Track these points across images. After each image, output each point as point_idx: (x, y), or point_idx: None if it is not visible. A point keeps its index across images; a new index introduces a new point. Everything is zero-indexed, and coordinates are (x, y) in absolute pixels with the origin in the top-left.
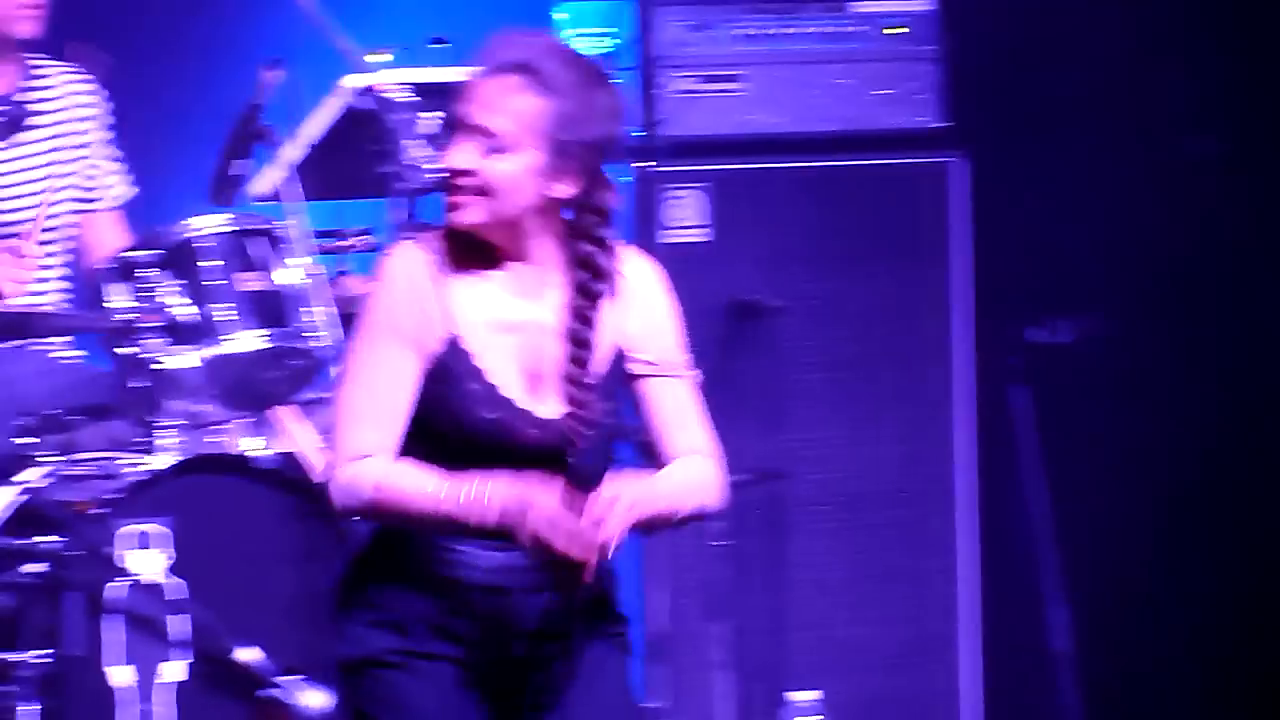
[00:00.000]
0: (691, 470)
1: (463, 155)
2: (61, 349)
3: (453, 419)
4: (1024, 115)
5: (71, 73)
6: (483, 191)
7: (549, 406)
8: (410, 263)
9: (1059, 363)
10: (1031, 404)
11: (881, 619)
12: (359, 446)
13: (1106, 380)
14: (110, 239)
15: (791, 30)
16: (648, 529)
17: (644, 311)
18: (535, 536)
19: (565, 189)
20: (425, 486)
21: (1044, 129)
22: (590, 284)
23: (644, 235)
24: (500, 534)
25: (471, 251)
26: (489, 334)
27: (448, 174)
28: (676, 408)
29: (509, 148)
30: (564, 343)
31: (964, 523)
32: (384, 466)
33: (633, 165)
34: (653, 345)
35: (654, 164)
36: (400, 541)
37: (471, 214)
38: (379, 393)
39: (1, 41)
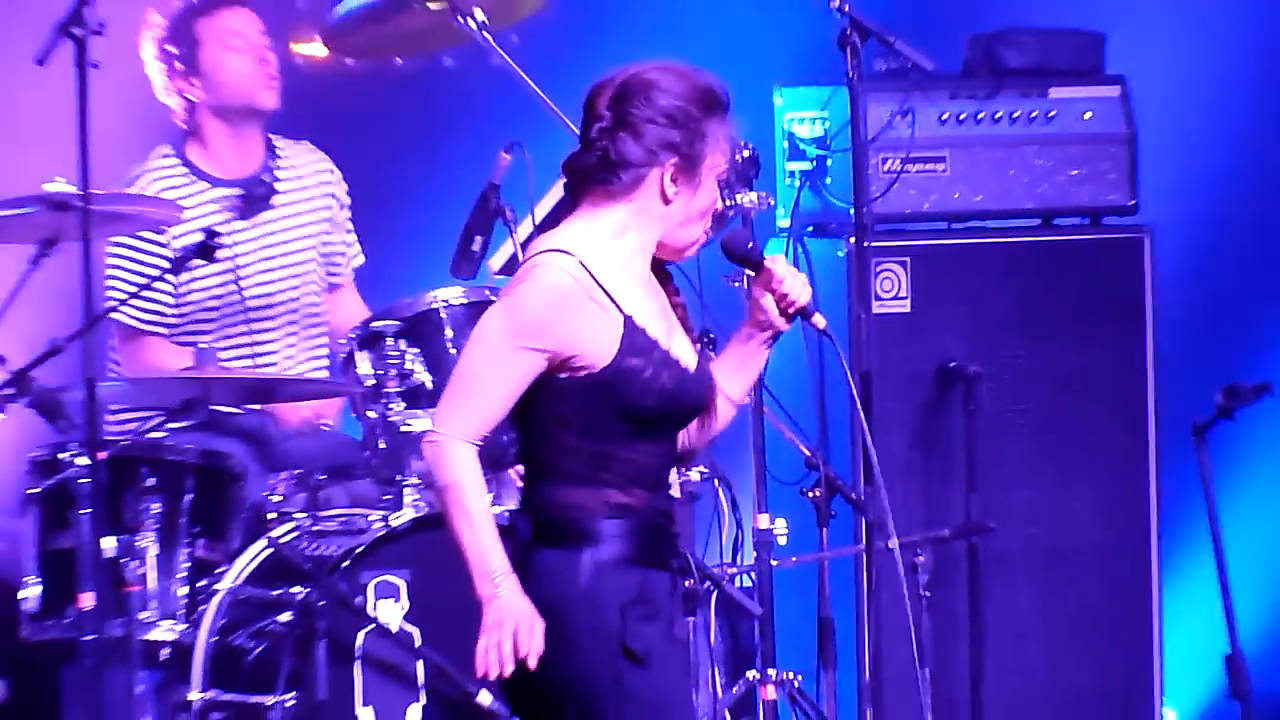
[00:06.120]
0: None
1: None
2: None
3: (650, 383)
4: (1203, 191)
5: (311, 152)
6: None
7: (690, 364)
8: (568, 272)
9: (1239, 421)
10: (1214, 460)
11: (1077, 667)
12: (460, 426)
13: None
14: (352, 309)
15: (991, 114)
16: None
17: None
18: (488, 637)
19: None
20: (480, 527)
21: (1221, 203)
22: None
23: (858, 306)
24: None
25: (607, 259)
26: (646, 316)
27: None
28: None
29: None
30: (682, 313)
31: (1156, 573)
32: (469, 474)
33: (846, 240)
34: None
35: (865, 239)
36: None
37: None
38: (496, 386)
39: (245, 116)
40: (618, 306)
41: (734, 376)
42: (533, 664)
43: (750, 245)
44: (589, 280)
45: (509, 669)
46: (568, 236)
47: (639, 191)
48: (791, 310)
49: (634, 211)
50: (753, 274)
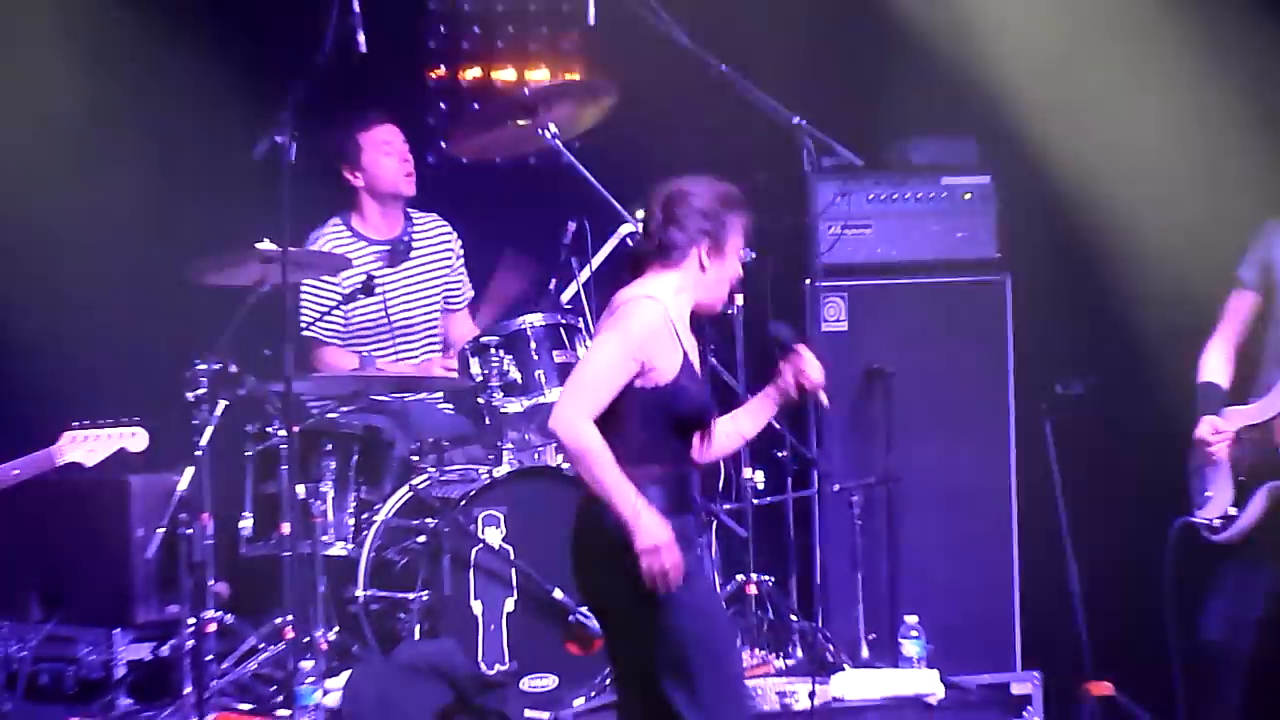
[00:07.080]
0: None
1: None
2: (440, 400)
3: (693, 400)
4: (1047, 247)
5: (436, 220)
6: None
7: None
8: (661, 311)
9: (1073, 406)
10: (1054, 431)
11: (961, 571)
12: (585, 409)
13: (1101, 417)
14: (464, 328)
15: (902, 195)
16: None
17: None
18: (649, 562)
19: None
20: (619, 479)
21: (1067, 254)
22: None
23: (810, 327)
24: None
25: (673, 307)
26: (693, 354)
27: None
28: None
29: None
30: (704, 350)
31: (1015, 509)
32: (600, 442)
33: (804, 281)
34: None
35: (816, 281)
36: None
37: None
38: (610, 382)
39: (392, 198)
40: (681, 343)
41: (749, 420)
42: (678, 581)
43: (793, 336)
44: (669, 320)
45: (674, 586)
46: (652, 287)
47: (685, 263)
48: (805, 386)
49: (683, 277)
50: (785, 354)
